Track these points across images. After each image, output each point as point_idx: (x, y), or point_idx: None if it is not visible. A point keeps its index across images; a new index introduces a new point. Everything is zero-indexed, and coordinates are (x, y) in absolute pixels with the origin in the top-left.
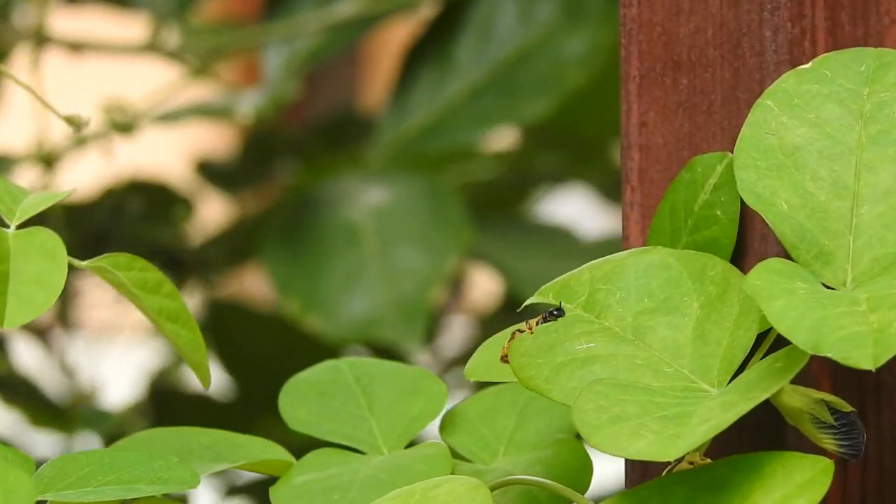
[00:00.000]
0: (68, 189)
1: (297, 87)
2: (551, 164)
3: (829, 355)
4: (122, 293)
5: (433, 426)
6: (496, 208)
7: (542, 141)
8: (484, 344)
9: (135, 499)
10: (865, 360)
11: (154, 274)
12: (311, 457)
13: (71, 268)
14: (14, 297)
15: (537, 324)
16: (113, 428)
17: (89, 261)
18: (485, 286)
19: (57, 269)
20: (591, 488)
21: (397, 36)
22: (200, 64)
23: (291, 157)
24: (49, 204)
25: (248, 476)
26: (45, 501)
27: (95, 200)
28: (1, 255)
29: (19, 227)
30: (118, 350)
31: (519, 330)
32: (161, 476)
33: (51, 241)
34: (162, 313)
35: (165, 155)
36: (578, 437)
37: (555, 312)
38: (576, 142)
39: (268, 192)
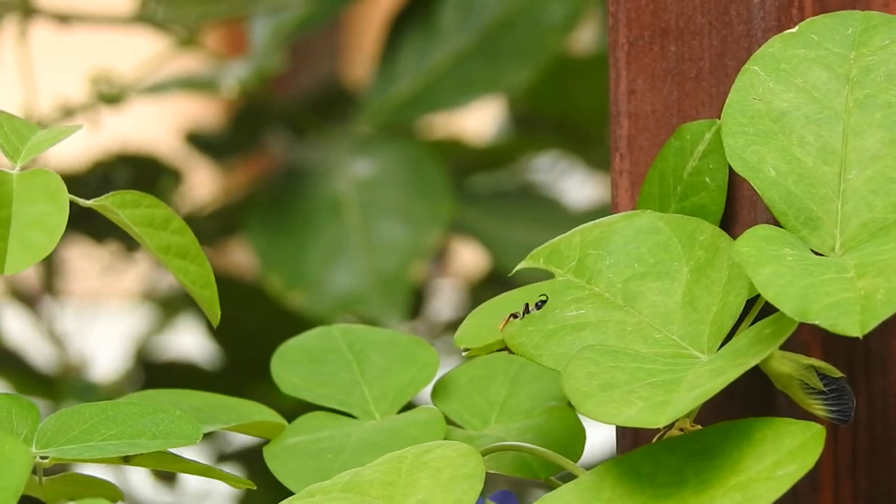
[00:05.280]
0: (76, 125)
1: (283, 59)
2: (545, 145)
3: (817, 322)
4: (127, 231)
5: (425, 393)
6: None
7: (535, 126)
8: (473, 312)
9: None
10: (853, 327)
11: (162, 210)
12: (304, 419)
13: (71, 211)
14: (16, 240)
15: (525, 313)
16: (102, 398)
17: (93, 200)
18: (473, 252)
19: (59, 211)
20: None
21: (378, 3)
22: (187, 35)
23: (280, 126)
24: (55, 141)
25: (238, 443)
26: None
27: (84, 172)
28: (3, 199)
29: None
30: (104, 318)
31: (513, 315)
32: (163, 430)
33: (54, 183)
34: (170, 250)
35: (153, 126)
36: (570, 405)
37: (546, 300)
38: (569, 125)
39: (256, 161)
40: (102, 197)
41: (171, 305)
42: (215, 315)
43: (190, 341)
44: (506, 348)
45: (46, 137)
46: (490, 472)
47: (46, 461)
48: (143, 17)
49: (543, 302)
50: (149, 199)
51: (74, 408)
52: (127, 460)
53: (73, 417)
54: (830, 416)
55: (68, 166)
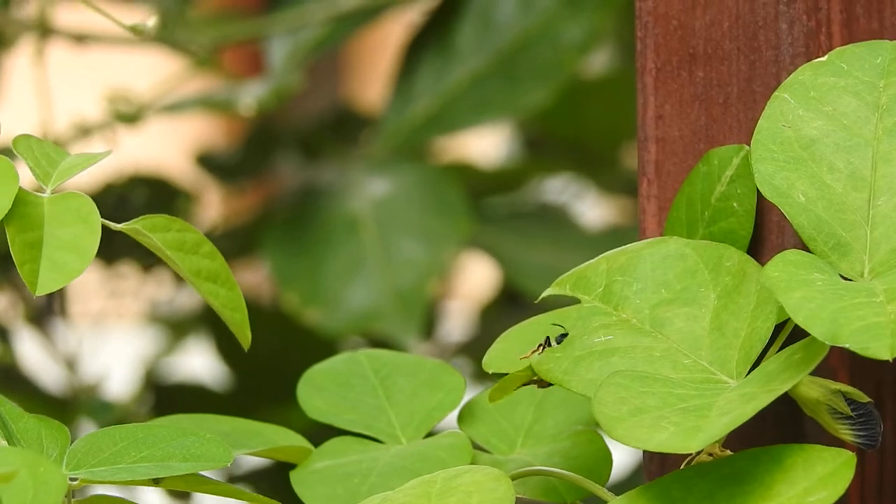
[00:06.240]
0: (105, 151)
1: (301, 79)
2: (557, 167)
3: (847, 346)
4: (157, 254)
5: (451, 418)
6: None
7: (545, 148)
8: (501, 336)
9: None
10: (883, 350)
11: (193, 234)
12: (331, 444)
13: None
14: (47, 262)
15: (547, 345)
16: (114, 419)
17: (125, 224)
18: (481, 273)
19: (91, 234)
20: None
21: (380, 26)
22: (204, 55)
23: (292, 148)
24: (85, 166)
25: (248, 466)
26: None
27: (97, 194)
28: (35, 222)
29: (55, 190)
30: (112, 340)
31: (541, 345)
32: (194, 452)
33: (85, 206)
34: (200, 274)
35: (163, 147)
36: (596, 428)
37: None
38: (581, 147)
39: (265, 182)
40: (133, 221)
41: (180, 327)
42: (246, 338)
43: (199, 363)
44: (530, 382)
45: (76, 162)
46: (517, 496)
47: (76, 483)
48: (160, 38)
49: (564, 335)
50: (178, 223)
51: (104, 430)
52: (157, 482)
53: (104, 439)
54: (858, 440)
55: (79, 187)
